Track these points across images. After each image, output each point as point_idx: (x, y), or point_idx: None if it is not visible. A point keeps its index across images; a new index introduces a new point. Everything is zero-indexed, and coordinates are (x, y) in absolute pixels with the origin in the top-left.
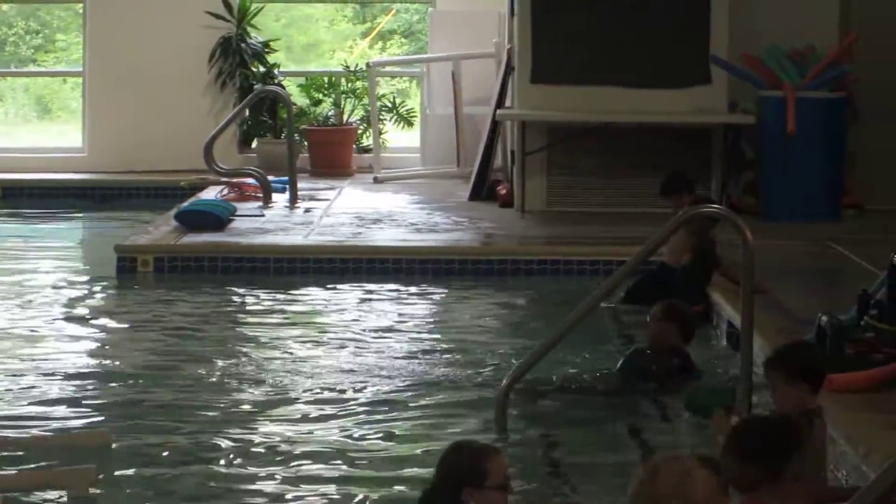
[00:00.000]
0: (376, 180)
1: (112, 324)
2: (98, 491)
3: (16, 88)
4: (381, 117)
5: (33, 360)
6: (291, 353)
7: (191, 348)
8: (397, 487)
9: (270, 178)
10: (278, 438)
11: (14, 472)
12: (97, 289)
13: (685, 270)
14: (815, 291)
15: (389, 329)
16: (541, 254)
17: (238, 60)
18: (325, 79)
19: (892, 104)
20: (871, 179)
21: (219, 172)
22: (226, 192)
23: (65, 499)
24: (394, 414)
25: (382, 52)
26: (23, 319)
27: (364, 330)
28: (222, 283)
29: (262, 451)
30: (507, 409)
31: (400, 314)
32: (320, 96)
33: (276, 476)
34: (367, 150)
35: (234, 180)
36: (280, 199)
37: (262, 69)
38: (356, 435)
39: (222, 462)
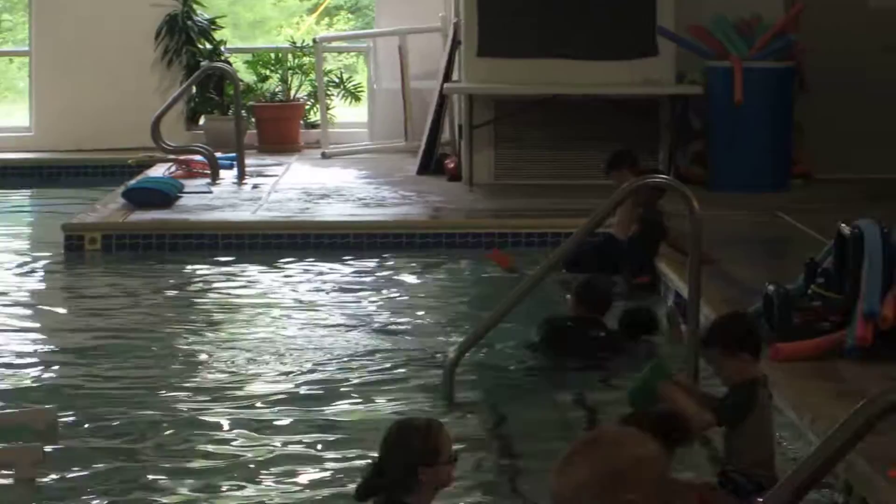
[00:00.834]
0: (324, 156)
1: (60, 302)
2: (45, 470)
3: None
4: (329, 93)
5: None
6: (240, 330)
7: (139, 326)
8: (346, 461)
9: (218, 154)
10: (227, 415)
11: None
12: (45, 267)
13: (632, 241)
14: (763, 261)
15: (338, 304)
16: (489, 227)
17: (184, 38)
18: (272, 55)
19: (840, 73)
20: (820, 148)
21: (166, 150)
22: (173, 169)
23: (10, 481)
24: (343, 387)
25: (329, 28)
26: None
27: (312, 305)
28: (170, 261)
29: (211, 428)
30: (454, 380)
31: (349, 289)
32: (267, 72)
33: (226, 453)
34: (314, 125)
35: (182, 157)
36: (228, 175)
37: (208, 46)
38: (305, 409)
39: (171, 440)
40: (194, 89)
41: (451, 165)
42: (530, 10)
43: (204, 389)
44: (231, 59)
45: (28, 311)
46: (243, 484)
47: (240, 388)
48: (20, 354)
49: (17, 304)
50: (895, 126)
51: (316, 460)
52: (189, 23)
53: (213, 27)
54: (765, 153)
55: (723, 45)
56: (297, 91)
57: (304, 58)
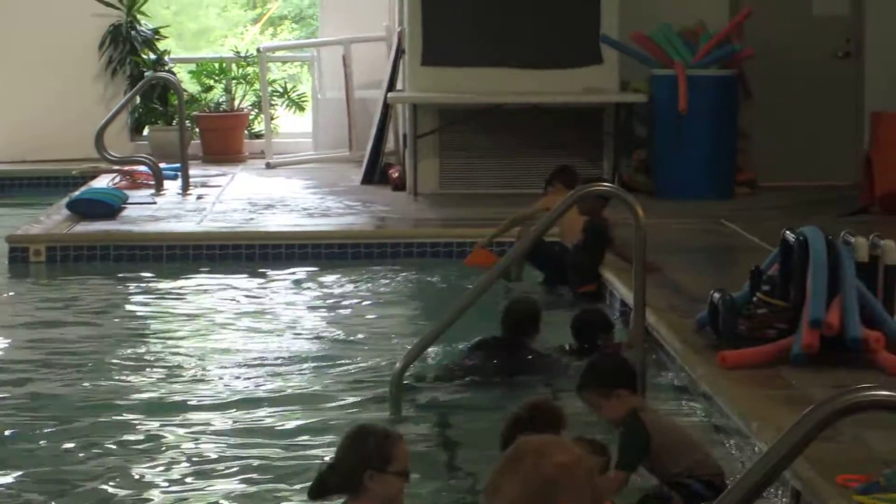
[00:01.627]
0: (269, 166)
1: (4, 314)
2: None
3: None
4: (273, 102)
5: None
6: (185, 341)
7: (85, 337)
8: (291, 471)
9: (162, 165)
10: (173, 426)
11: None
12: None
13: (577, 249)
14: (708, 269)
15: (283, 314)
16: (434, 236)
17: (128, 48)
18: (216, 65)
19: (784, 80)
20: (764, 156)
21: (110, 160)
22: (118, 179)
23: None
24: (287, 399)
25: (273, 38)
26: None
27: (257, 315)
28: (115, 272)
29: (155, 440)
30: (401, 390)
31: (294, 300)
32: (211, 82)
33: (172, 465)
34: (258, 135)
35: (126, 168)
36: (172, 186)
37: (152, 56)
38: (250, 420)
39: (116, 451)
40: (138, 99)
41: (396, 175)
42: (474, 19)
43: (150, 400)
44: (175, 70)
45: None
46: (185, 492)
47: (185, 398)
48: None
49: None
50: (839, 133)
51: (260, 469)
52: (133, 33)
53: (156, 37)
54: (709, 161)
55: (666, 53)
56: (241, 101)
57: (249, 68)
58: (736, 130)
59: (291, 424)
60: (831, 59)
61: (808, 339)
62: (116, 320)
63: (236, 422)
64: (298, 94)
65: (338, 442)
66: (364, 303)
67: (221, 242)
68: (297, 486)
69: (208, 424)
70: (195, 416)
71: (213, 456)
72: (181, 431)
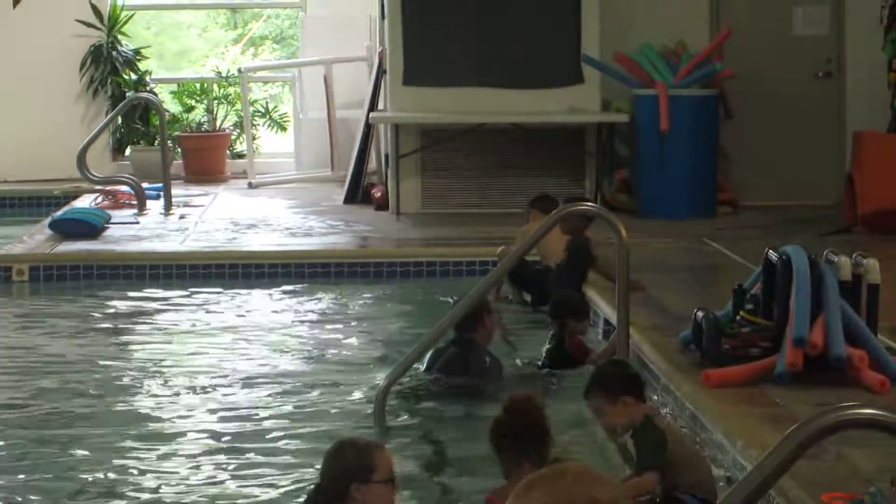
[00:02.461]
0: (251, 186)
1: None
2: None
3: None
4: (255, 122)
5: None
6: (168, 360)
7: (66, 357)
8: (277, 490)
9: (144, 185)
10: (154, 446)
11: None
12: None
13: (560, 269)
14: (691, 288)
15: (266, 333)
16: (417, 255)
17: (110, 68)
18: (198, 85)
19: (765, 100)
20: (746, 175)
21: (92, 180)
22: (100, 199)
23: None
24: (270, 418)
25: (254, 58)
26: None
27: (240, 335)
28: (98, 291)
29: (139, 457)
30: (385, 408)
31: (276, 319)
32: (193, 103)
33: (152, 485)
34: (240, 155)
35: (108, 188)
36: (154, 206)
37: (133, 77)
38: (234, 439)
39: (98, 468)
40: (120, 120)
41: (378, 195)
42: (456, 39)
43: (132, 419)
44: (156, 90)
45: None
46: None
47: (167, 416)
48: None
49: None
50: (820, 152)
51: (243, 488)
52: (114, 53)
53: (138, 58)
54: (691, 180)
55: (648, 73)
56: (222, 121)
57: (230, 88)
58: (717, 150)
59: (274, 444)
60: (812, 78)
61: (791, 357)
62: (99, 339)
63: (218, 441)
64: (280, 115)
65: (321, 462)
66: (347, 322)
67: (204, 262)
68: None
69: (190, 443)
70: (177, 435)
71: (195, 475)
72: (162, 450)
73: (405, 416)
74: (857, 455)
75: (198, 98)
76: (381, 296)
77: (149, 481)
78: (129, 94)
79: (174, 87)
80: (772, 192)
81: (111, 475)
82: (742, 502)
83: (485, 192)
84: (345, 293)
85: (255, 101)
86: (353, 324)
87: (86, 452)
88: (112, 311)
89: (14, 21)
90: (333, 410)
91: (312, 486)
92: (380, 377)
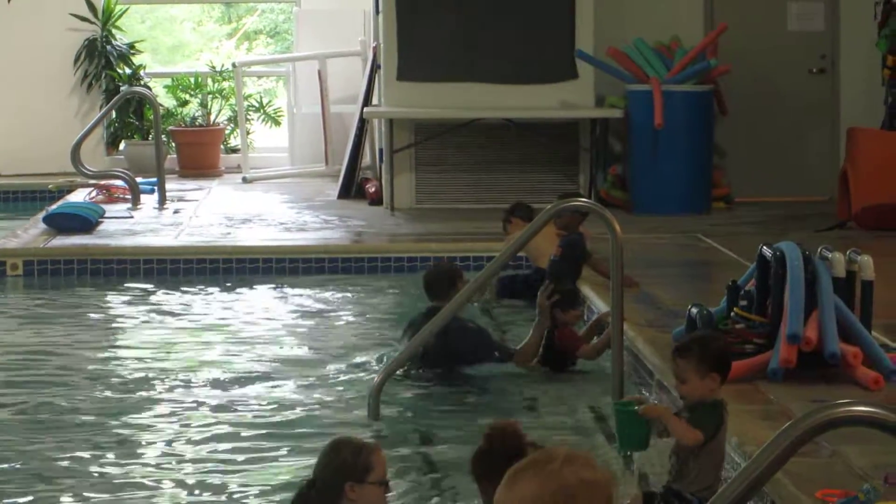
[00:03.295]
0: (245, 180)
1: None
2: None
3: None
4: (249, 117)
5: None
6: (162, 354)
7: (61, 350)
8: (270, 484)
9: (138, 179)
10: (149, 439)
11: None
12: None
13: (554, 264)
14: (685, 284)
15: (260, 328)
16: (411, 251)
17: (104, 62)
18: (192, 79)
19: (759, 96)
20: (740, 171)
21: (87, 175)
22: (94, 194)
23: None
24: (264, 413)
25: (248, 52)
26: None
27: (234, 329)
28: (92, 286)
29: (130, 451)
30: (380, 403)
31: (270, 314)
32: (187, 97)
33: (149, 477)
34: (235, 150)
35: (103, 182)
36: (149, 200)
37: (127, 71)
38: (228, 433)
39: (91, 465)
40: (114, 114)
41: (372, 189)
42: (450, 35)
43: (126, 413)
44: (151, 84)
45: None
46: None
47: (162, 411)
48: None
49: None
50: (815, 148)
51: (237, 484)
52: (108, 47)
53: (132, 52)
54: (685, 176)
55: (642, 68)
56: (217, 115)
57: (224, 82)
58: (711, 145)
59: (268, 439)
60: (807, 74)
61: (785, 354)
62: (94, 334)
63: (213, 435)
64: (274, 109)
65: (316, 456)
66: (341, 317)
67: (198, 257)
68: (277, 501)
69: (185, 437)
70: (171, 430)
71: (191, 469)
72: (158, 445)
73: (399, 411)
74: (852, 452)
75: (192, 92)
76: (375, 291)
77: (139, 476)
78: (124, 88)
79: (168, 81)
80: (766, 188)
81: (104, 470)
82: (736, 499)
83: (478, 187)
84: (339, 288)
85: (250, 95)
86: (346, 319)
87: (78, 447)
88: (106, 305)
89: (8, 15)
90: (327, 405)
91: (304, 482)
92: (374, 372)
